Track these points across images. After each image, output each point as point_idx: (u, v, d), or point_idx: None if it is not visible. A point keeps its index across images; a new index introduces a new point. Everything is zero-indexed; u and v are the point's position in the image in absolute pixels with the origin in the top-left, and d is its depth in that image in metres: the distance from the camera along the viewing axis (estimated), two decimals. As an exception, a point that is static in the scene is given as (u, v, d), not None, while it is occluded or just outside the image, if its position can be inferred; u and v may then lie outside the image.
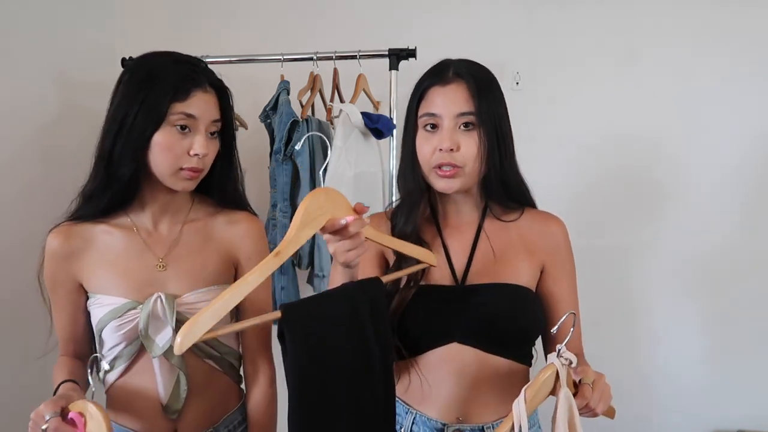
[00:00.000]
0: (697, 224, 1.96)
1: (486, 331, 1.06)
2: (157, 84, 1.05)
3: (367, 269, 1.14)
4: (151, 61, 1.09)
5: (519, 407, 0.86)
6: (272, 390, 1.23)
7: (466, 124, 1.07)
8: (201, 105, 1.08)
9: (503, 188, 1.13)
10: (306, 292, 1.83)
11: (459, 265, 1.13)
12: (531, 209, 1.19)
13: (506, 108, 1.12)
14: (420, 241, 1.13)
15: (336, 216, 0.91)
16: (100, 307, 1.11)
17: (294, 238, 0.89)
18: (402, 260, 1.11)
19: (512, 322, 1.07)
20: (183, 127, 1.06)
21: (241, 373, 1.25)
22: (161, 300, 1.09)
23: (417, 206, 1.14)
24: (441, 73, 1.11)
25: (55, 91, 1.88)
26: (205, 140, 1.09)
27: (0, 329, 1.67)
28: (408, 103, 1.15)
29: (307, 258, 1.77)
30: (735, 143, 1.93)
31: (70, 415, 0.95)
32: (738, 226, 1.95)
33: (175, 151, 1.06)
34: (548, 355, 0.93)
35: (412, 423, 1.11)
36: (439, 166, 1.07)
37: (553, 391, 0.91)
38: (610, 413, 1.07)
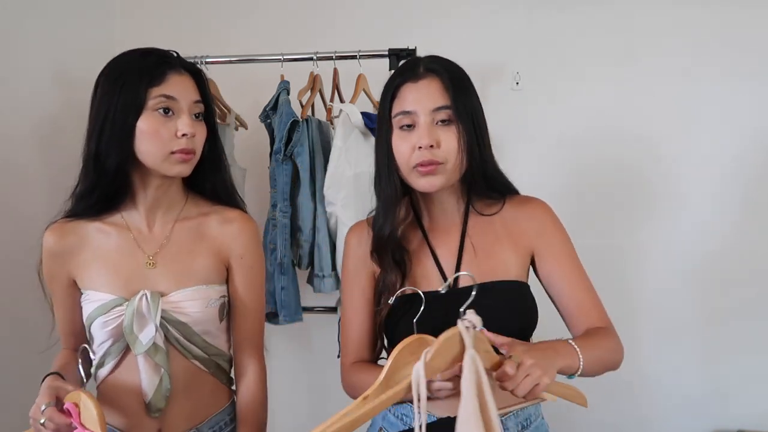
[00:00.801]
0: (697, 224, 1.97)
1: None
2: (131, 74, 1.06)
3: (363, 284, 1.16)
4: (121, 59, 1.11)
5: (417, 370, 0.83)
6: (260, 387, 1.21)
7: (443, 120, 1.05)
8: (178, 86, 1.08)
9: (485, 181, 1.11)
10: (306, 291, 1.83)
11: (449, 268, 1.12)
12: (511, 197, 1.17)
13: (479, 99, 1.11)
14: (402, 249, 1.12)
15: (434, 369, 0.87)
16: (90, 303, 1.12)
17: (378, 389, 0.86)
18: (385, 273, 1.11)
19: (509, 322, 1.06)
20: (166, 111, 1.07)
21: (232, 375, 1.24)
22: (146, 297, 1.09)
23: (393, 210, 1.11)
24: (412, 69, 1.09)
25: (54, 90, 1.88)
26: (189, 120, 1.09)
27: (0, 326, 1.67)
28: (379, 105, 1.12)
29: (307, 258, 1.77)
30: (735, 143, 1.93)
31: (66, 405, 0.96)
32: (738, 226, 1.95)
33: (162, 135, 1.06)
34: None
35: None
36: (420, 165, 1.04)
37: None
38: (581, 401, 1.04)
